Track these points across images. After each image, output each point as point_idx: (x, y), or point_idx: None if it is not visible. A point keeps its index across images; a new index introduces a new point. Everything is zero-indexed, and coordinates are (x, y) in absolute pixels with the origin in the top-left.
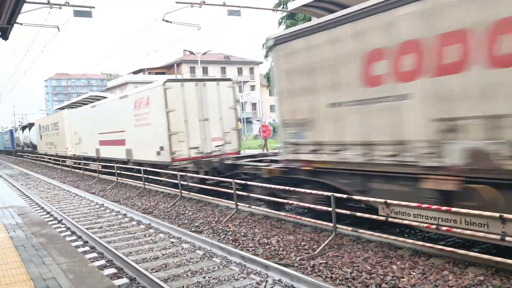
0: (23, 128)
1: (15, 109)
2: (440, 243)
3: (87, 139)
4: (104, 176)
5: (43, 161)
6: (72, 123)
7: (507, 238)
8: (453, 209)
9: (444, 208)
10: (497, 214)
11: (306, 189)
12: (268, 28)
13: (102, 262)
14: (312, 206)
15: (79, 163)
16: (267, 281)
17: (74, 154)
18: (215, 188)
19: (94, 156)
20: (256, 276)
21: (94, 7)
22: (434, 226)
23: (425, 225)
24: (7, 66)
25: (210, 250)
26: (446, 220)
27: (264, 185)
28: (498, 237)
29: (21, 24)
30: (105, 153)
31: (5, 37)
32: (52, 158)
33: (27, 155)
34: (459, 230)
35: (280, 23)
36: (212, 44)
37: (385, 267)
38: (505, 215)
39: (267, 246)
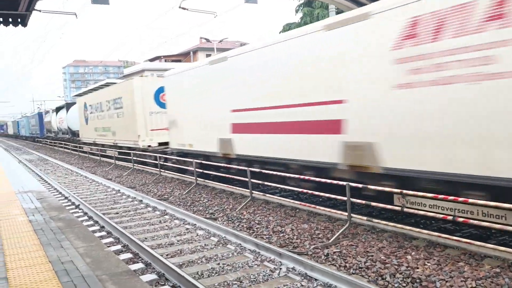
0: (58, 109)
1: (34, 96)
2: (456, 234)
3: (202, 122)
4: (120, 163)
5: (61, 146)
6: (145, 100)
7: None
8: (470, 200)
9: (461, 199)
10: None
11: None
12: (285, 16)
13: (118, 247)
14: (327, 195)
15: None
16: (280, 268)
17: (150, 146)
18: (231, 176)
19: (215, 153)
20: (270, 264)
21: None
22: (450, 217)
23: (441, 215)
24: (26, 53)
25: (225, 237)
26: (463, 211)
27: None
28: None
29: (40, 11)
30: (281, 148)
31: (24, 23)
32: (99, 149)
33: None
34: (475, 222)
35: (297, 11)
36: (229, 32)
37: (399, 257)
38: None
39: (281, 234)
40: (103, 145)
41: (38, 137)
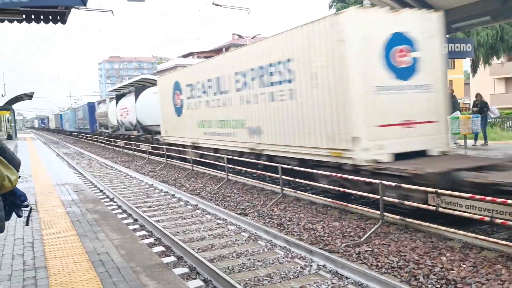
0: (119, 97)
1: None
2: (493, 236)
3: None
4: (153, 157)
5: (96, 140)
6: (367, 61)
7: None
8: (509, 201)
9: (499, 200)
10: None
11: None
12: (318, 12)
13: (151, 240)
14: (359, 193)
15: None
16: (311, 266)
17: (378, 162)
18: (262, 172)
19: None
20: (301, 261)
21: None
22: (488, 218)
23: (478, 216)
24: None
25: (255, 233)
26: (501, 213)
27: (311, 170)
28: None
29: (78, 8)
30: None
31: (64, 21)
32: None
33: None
34: None
35: (330, 6)
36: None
37: (433, 258)
38: None
39: (312, 232)
40: (216, 150)
41: (87, 133)
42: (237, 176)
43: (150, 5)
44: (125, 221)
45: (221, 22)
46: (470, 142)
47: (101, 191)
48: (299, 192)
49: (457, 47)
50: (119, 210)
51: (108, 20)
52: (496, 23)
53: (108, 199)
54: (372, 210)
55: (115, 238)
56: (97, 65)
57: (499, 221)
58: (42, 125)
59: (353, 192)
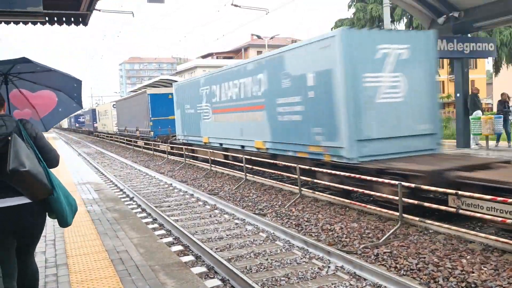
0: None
1: (91, 92)
2: None
3: None
4: (172, 157)
5: (117, 140)
6: None
7: None
8: None
9: None
10: None
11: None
12: (337, 12)
13: (170, 239)
14: (378, 194)
15: None
16: (329, 267)
17: None
18: (280, 172)
19: None
20: (318, 262)
21: None
22: (510, 221)
23: (500, 219)
24: (86, 51)
25: (273, 233)
26: None
27: (331, 171)
28: None
29: (99, 10)
30: None
31: (85, 23)
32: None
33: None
34: None
35: (349, 6)
36: (280, 28)
37: (453, 260)
38: None
39: (330, 233)
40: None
41: (148, 137)
42: (255, 176)
43: (169, 6)
44: (144, 220)
45: (240, 22)
46: (492, 143)
47: (121, 190)
48: (317, 192)
49: (479, 46)
50: (139, 209)
51: (129, 21)
52: None
53: (128, 198)
54: (391, 212)
55: (135, 237)
56: (118, 66)
57: None
58: (77, 124)
59: (372, 193)
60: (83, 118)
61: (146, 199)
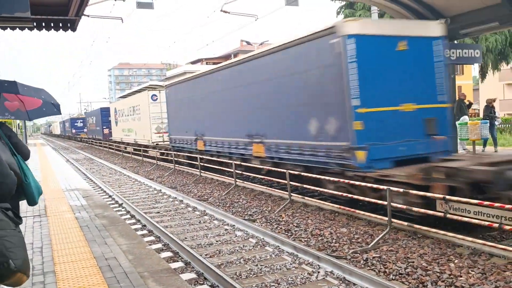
0: None
1: (80, 98)
2: (502, 242)
3: None
4: (161, 163)
5: (105, 147)
6: None
7: None
8: None
9: (507, 206)
10: None
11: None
12: (326, 18)
13: (159, 245)
14: (367, 199)
15: None
16: (319, 272)
17: None
18: (270, 177)
19: None
20: (308, 267)
21: None
22: (496, 225)
23: (487, 223)
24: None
25: (263, 239)
26: (510, 219)
27: (323, 177)
28: None
29: (88, 16)
30: None
31: (74, 28)
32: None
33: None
34: None
35: (338, 13)
36: (269, 34)
37: (441, 264)
38: None
39: (320, 238)
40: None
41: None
42: (245, 182)
43: (158, 12)
44: (133, 227)
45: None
46: (478, 148)
47: (110, 196)
48: (307, 198)
49: (465, 53)
50: (128, 216)
51: (118, 27)
52: (505, 29)
53: (117, 205)
54: (379, 216)
55: (123, 243)
56: (107, 72)
57: (507, 227)
58: (74, 130)
59: (360, 198)
60: (81, 122)
61: (135, 205)
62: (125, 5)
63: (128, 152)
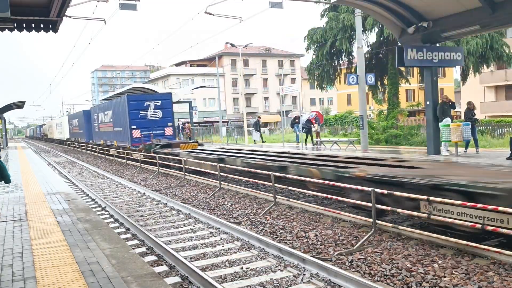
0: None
1: (62, 100)
2: (485, 243)
3: None
4: (145, 166)
5: (89, 149)
6: None
7: None
8: (500, 208)
9: (490, 207)
10: None
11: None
12: (310, 20)
13: (143, 249)
14: (352, 201)
15: None
16: (304, 274)
17: None
18: (255, 180)
19: None
20: (293, 269)
21: (139, 0)
22: (479, 226)
23: (470, 224)
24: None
25: (248, 241)
26: (492, 220)
27: (301, 178)
28: None
29: (70, 17)
30: None
31: (55, 29)
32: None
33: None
34: (506, 231)
35: (322, 16)
36: (253, 37)
37: (426, 265)
38: None
39: (305, 240)
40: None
41: None
42: (230, 185)
43: (142, 14)
44: (117, 230)
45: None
46: (461, 149)
47: (93, 200)
48: (291, 200)
49: (447, 55)
50: (111, 219)
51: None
52: (486, 32)
53: (100, 208)
54: (364, 218)
55: (106, 248)
56: (90, 74)
57: (490, 228)
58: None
59: (345, 200)
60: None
61: (119, 209)
62: (108, 6)
63: (111, 155)
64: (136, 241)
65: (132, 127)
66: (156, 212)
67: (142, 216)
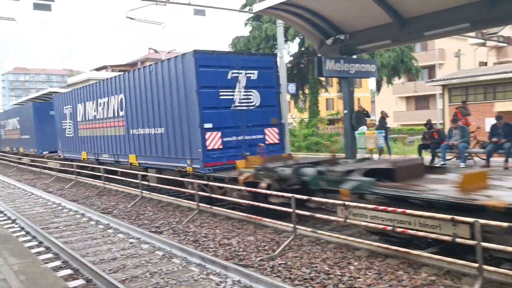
0: None
1: None
2: (396, 244)
3: None
4: (62, 175)
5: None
6: None
7: (458, 240)
8: (408, 211)
9: (399, 210)
10: (449, 217)
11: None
12: (235, 28)
13: (58, 263)
14: (272, 207)
15: None
16: (226, 281)
17: None
18: (177, 188)
19: None
20: (216, 277)
21: (53, 0)
22: (389, 228)
23: (382, 226)
24: None
25: (170, 251)
26: (402, 222)
27: (221, 185)
28: (450, 238)
29: None
30: None
31: None
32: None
33: None
34: (413, 232)
35: (246, 24)
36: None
37: (342, 267)
38: (456, 218)
39: (228, 247)
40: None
41: None
42: (152, 193)
43: (59, 16)
44: (27, 244)
45: (137, 36)
46: (375, 156)
47: (1, 212)
48: (214, 207)
49: (363, 67)
50: (22, 233)
51: (15, 28)
52: (396, 46)
53: (9, 221)
54: (285, 224)
55: (15, 263)
56: (0, 77)
57: (399, 229)
58: None
59: (266, 206)
60: None
61: (31, 221)
62: (21, 5)
63: (24, 164)
64: (50, 255)
65: (206, 125)
66: (73, 223)
67: (57, 228)
